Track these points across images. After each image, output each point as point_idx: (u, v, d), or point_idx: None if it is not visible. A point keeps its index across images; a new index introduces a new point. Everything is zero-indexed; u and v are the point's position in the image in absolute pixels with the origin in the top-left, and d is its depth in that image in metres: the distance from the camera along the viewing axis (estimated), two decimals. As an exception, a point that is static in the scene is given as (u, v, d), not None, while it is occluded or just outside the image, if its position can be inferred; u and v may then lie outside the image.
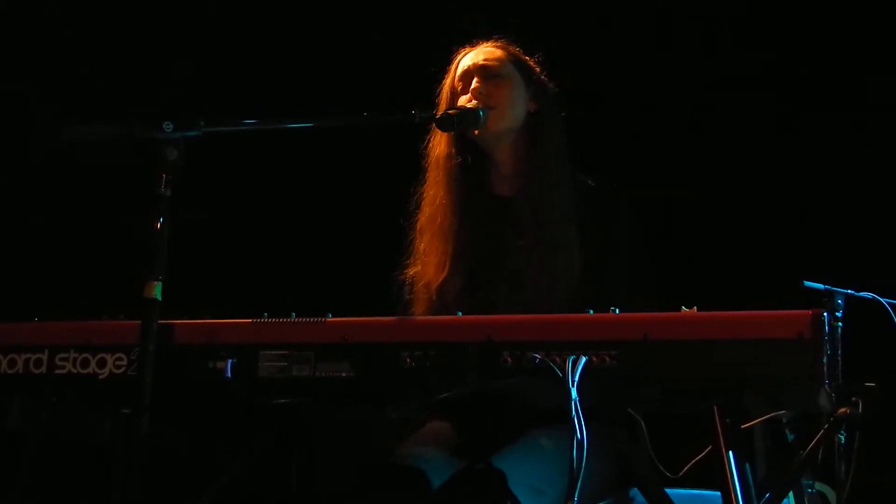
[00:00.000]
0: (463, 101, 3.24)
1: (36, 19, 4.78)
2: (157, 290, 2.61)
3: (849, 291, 2.59)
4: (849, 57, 4.10)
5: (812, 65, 4.14)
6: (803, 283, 2.58)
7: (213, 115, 2.76)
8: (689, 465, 2.81)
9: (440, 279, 3.21)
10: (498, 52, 3.30)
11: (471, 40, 3.35)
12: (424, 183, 3.32)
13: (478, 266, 3.22)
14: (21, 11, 4.75)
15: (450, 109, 3.21)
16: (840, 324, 2.50)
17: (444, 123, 3.15)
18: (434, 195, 3.29)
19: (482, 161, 3.30)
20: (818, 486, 2.74)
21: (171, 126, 2.66)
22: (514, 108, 3.25)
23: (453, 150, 3.29)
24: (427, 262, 3.25)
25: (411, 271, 3.29)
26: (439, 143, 3.31)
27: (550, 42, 3.36)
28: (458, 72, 3.29)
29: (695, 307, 2.55)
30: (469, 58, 3.30)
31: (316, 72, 4.60)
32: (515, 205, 3.25)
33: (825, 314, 2.46)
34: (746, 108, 4.22)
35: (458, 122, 3.17)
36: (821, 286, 2.57)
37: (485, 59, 3.27)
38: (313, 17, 4.66)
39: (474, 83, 3.23)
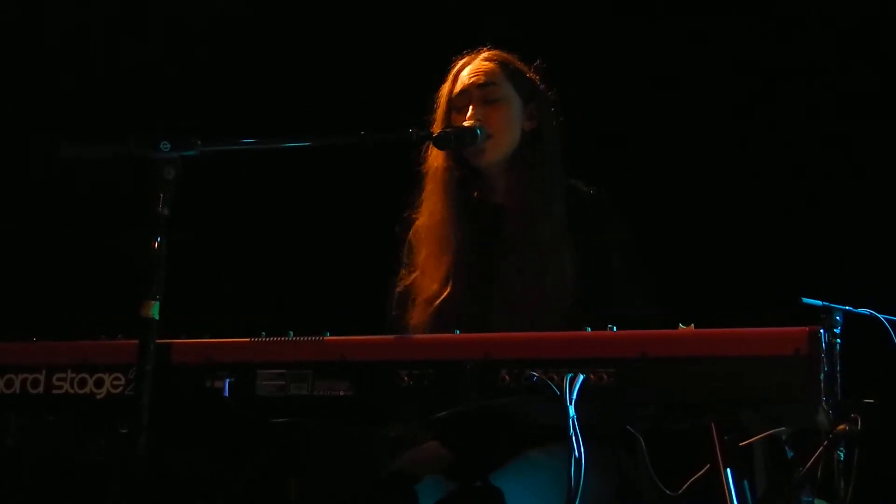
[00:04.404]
0: (460, 120, 3.21)
1: (35, 35, 4.79)
2: (154, 310, 2.61)
3: (847, 308, 2.59)
4: (843, 66, 4.12)
5: (811, 76, 4.15)
6: (801, 300, 2.58)
7: (210, 134, 2.76)
8: (688, 483, 2.81)
9: (441, 293, 3.19)
10: (496, 70, 3.25)
11: (470, 45, 3.31)
12: (421, 193, 3.31)
13: (473, 279, 3.21)
14: (21, 26, 4.77)
15: (447, 128, 3.21)
16: (838, 340, 2.50)
17: (442, 142, 3.15)
18: (432, 206, 3.27)
19: (475, 173, 3.28)
20: (817, 502, 2.73)
21: (169, 145, 2.66)
22: (511, 132, 3.23)
23: (450, 163, 3.27)
24: (427, 275, 3.23)
25: (408, 281, 3.28)
26: (436, 157, 3.28)
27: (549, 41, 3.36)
28: (457, 87, 3.25)
29: (692, 325, 2.55)
30: (467, 73, 3.26)
31: (313, 80, 4.61)
32: (508, 215, 3.23)
33: (823, 331, 2.45)
34: (742, 122, 4.22)
35: (456, 141, 3.17)
36: (819, 302, 2.56)
37: (483, 80, 3.23)
38: (310, 29, 4.68)
39: (471, 110, 3.20)
